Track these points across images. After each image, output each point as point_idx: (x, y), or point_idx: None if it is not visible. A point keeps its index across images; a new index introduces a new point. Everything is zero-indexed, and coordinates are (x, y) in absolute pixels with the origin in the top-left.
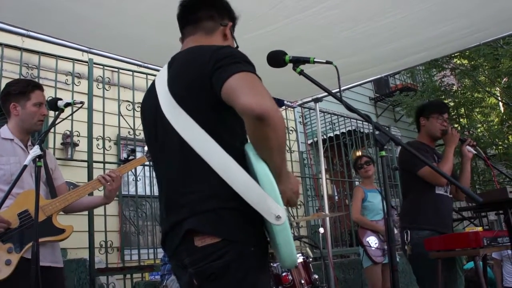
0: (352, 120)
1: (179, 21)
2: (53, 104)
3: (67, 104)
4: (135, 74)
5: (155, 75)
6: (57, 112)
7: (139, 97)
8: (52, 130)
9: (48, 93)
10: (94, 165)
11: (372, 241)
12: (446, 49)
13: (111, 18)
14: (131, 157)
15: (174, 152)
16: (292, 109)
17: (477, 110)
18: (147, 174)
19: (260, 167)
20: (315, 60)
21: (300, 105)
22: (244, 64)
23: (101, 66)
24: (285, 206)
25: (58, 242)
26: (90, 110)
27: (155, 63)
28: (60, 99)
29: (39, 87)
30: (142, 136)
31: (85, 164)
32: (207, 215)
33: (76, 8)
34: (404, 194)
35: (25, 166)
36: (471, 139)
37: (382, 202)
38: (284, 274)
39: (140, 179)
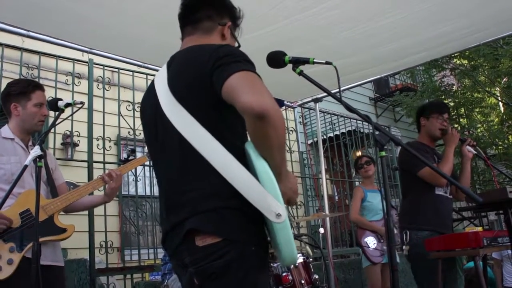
0: (352, 120)
1: (180, 21)
2: (53, 104)
3: (67, 105)
4: (135, 74)
5: (155, 75)
6: (57, 113)
7: (139, 97)
8: (52, 130)
9: (48, 93)
10: (94, 165)
11: (370, 241)
12: (446, 49)
13: (111, 18)
14: (131, 157)
15: (174, 151)
16: (292, 109)
17: (477, 110)
18: (147, 174)
19: (261, 165)
20: (314, 60)
21: (300, 105)
22: (244, 63)
23: (101, 66)
24: (285, 205)
25: (59, 241)
26: (90, 110)
27: (155, 63)
28: (61, 100)
29: (40, 88)
30: (142, 136)
31: (85, 164)
32: (208, 215)
33: (76, 8)
34: (403, 194)
35: (26, 166)
36: (471, 139)
37: (382, 202)
38: (284, 274)
39: (140, 179)
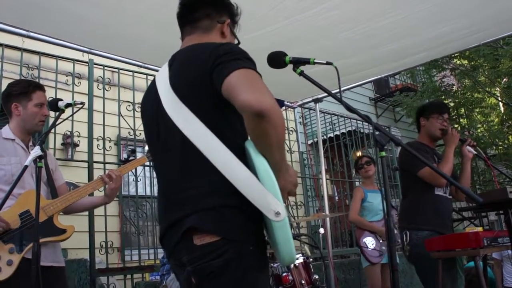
0: (352, 120)
1: (178, 21)
2: (53, 104)
3: (68, 105)
4: (135, 74)
5: (155, 75)
6: (57, 113)
7: (139, 97)
8: (52, 130)
9: (49, 94)
10: (95, 165)
11: (369, 241)
12: (446, 50)
13: (110, 18)
14: (131, 158)
15: (176, 150)
16: (292, 110)
17: (477, 110)
18: (148, 174)
19: (261, 163)
20: (315, 61)
21: (300, 106)
22: (244, 60)
23: (101, 67)
24: (286, 198)
25: (59, 242)
26: (90, 110)
27: (155, 64)
28: (61, 100)
29: (41, 88)
30: (142, 136)
31: (86, 164)
32: (207, 213)
33: (75, 8)
34: (403, 194)
35: (26, 167)
36: (471, 139)
37: (382, 203)
38: (284, 274)
39: (140, 179)
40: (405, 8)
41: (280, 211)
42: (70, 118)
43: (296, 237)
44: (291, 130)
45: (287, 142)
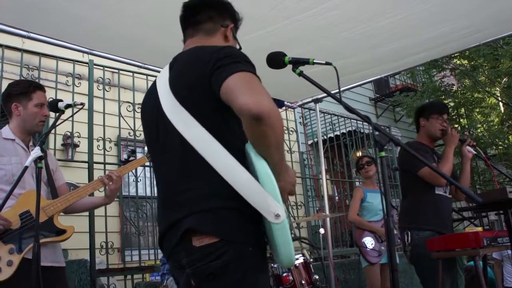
0: (352, 120)
1: (181, 23)
2: (53, 105)
3: (68, 106)
4: (135, 75)
5: (155, 76)
6: (57, 114)
7: (140, 98)
8: (52, 131)
9: (49, 94)
10: (95, 166)
11: (368, 241)
12: (446, 50)
13: (109, 19)
14: (131, 158)
15: (175, 152)
16: (292, 110)
17: (477, 110)
18: (148, 175)
19: (261, 165)
20: (314, 61)
21: (300, 106)
22: (244, 63)
23: (101, 67)
24: (287, 199)
25: (59, 242)
26: (90, 111)
27: (155, 64)
28: (61, 101)
29: (41, 88)
30: (142, 137)
31: (86, 165)
32: (206, 214)
33: (74, 9)
34: (403, 194)
35: (26, 167)
36: (471, 139)
37: (382, 203)
38: (284, 274)
39: (140, 180)
40: (405, 8)
41: (280, 213)
42: (70, 118)
43: (295, 239)
44: (291, 130)
45: (287, 142)
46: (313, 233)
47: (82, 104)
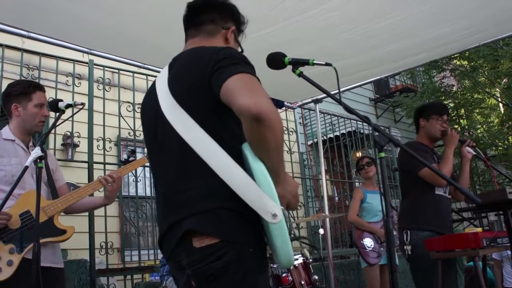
0: (352, 121)
1: (184, 23)
2: (54, 105)
3: (68, 106)
4: (135, 75)
5: (155, 76)
6: (57, 114)
7: (139, 98)
8: (52, 131)
9: (49, 94)
10: (95, 166)
11: (367, 242)
12: (445, 50)
13: (109, 19)
14: (131, 158)
15: (173, 152)
16: (292, 110)
17: (477, 111)
18: (148, 175)
19: (257, 165)
20: (314, 62)
21: (300, 106)
22: (243, 65)
23: (102, 67)
24: (286, 209)
25: (59, 242)
26: (90, 111)
27: (155, 64)
28: (61, 101)
29: (41, 88)
30: (142, 137)
31: (86, 165)
32: (206, 215)
33: (73, 9)
34: (403, 194)
35: (26, 168)
36: (470, 140)
37: (382, 204)
38: (284, 275)
39: (140, 180)
40: (404, 9)
41: (277, 213)
42: (70, 118)
43: (294, 239)
44: (291, 131)
45: (287, 142)
46: (313, 233)
47: (82, 104)
